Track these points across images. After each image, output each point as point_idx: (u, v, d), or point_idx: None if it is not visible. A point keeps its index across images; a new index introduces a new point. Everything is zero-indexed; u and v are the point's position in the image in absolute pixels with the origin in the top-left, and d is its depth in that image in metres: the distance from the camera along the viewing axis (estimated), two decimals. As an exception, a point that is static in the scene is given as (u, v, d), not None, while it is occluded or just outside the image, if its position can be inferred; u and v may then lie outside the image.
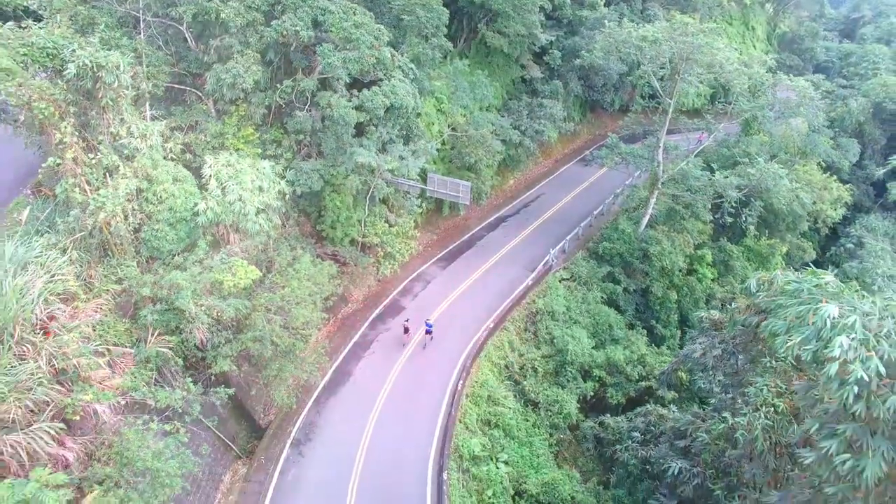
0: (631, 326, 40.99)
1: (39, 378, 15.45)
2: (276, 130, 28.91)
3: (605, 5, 51.20)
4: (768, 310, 14.12)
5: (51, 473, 12.60)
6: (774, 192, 35.72)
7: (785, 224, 44.09)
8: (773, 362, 17.26)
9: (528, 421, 33.09)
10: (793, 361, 16.16)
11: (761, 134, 48.34)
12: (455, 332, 34.29)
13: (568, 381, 34.95)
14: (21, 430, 14.47)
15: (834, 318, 11.49)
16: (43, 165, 20.13)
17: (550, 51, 47.54)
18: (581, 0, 48.44)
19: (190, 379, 22.63)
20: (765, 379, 16.95)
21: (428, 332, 32.21)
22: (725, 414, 18.19)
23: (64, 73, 18.97)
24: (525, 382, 34.49)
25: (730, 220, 37.52)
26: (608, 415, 33.63)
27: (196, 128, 27.09)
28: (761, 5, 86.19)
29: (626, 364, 35.39)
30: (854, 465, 10.97)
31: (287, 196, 27.72)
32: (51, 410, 16.04)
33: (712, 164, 43.49)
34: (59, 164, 20.11)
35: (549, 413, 33.46)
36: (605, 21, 41.96)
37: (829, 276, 13.03)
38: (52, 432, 14.90)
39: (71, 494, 13.90)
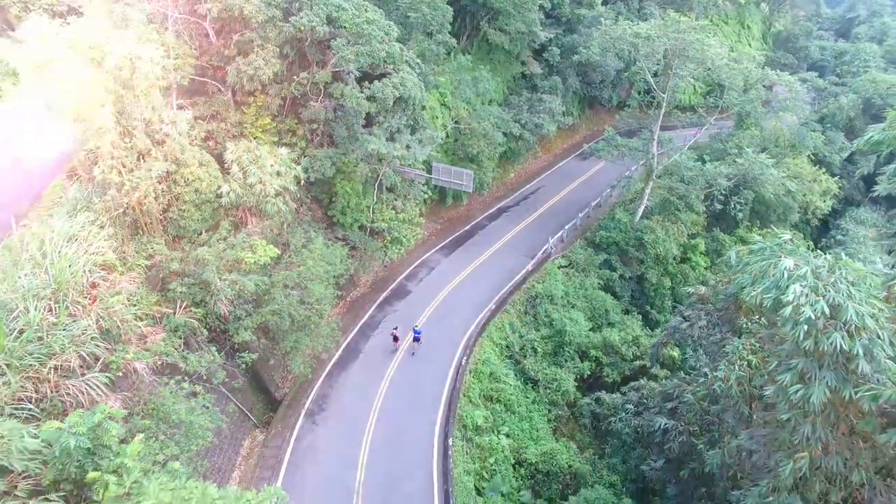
0: (626, 311, 42.82)
1: (91, 335, 17.30)
2: (291, 120, 30.79)
3: (602, 4, 53.06)
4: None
5: (112, 409, 14.41)
6: (762, 181, 37.56)
7: (776, 215, 45.88)
8: (749, 325, 19.09)
9: (528, 398, 34.93)
10: (765, 321, 17.96)
11: (753, 128, 50.18)
12: (459, 314, 36.14)
13: (566, 360, 36.77)
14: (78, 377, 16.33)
15: (790, 269, 13.32)
16: (84, 149, 21.98)
17: (550, 48, 49.41)
18: (579, -1, 50.34)
19: (214, 348, 24.51)
20: (741, 339, 18.77)
21: (416, 339, 31.78)
22: (705, 370, 20.04)
23: (104, 64, 20.85)
24: (525, 361, 36.31)
25: (719, 207, 39.39)
26: (604, 392, 35.46)
27: (217, 117, 28.97)
28: (756, 5, 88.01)
29: (622, 345, 37.19)
30: (804, 393, 12.78)
31: (301, 182, 29.57)
32: (98, 366, 17.93)
33: (705, 157, 45.29)
34: (98, 148, 21.96)
35: (548, 390, 35.26)
36: (602, 19, 43.80)
37: (787, 236, 14.89)
38: (105, 380, 16.75)
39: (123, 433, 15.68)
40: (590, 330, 38.40)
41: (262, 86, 28.64)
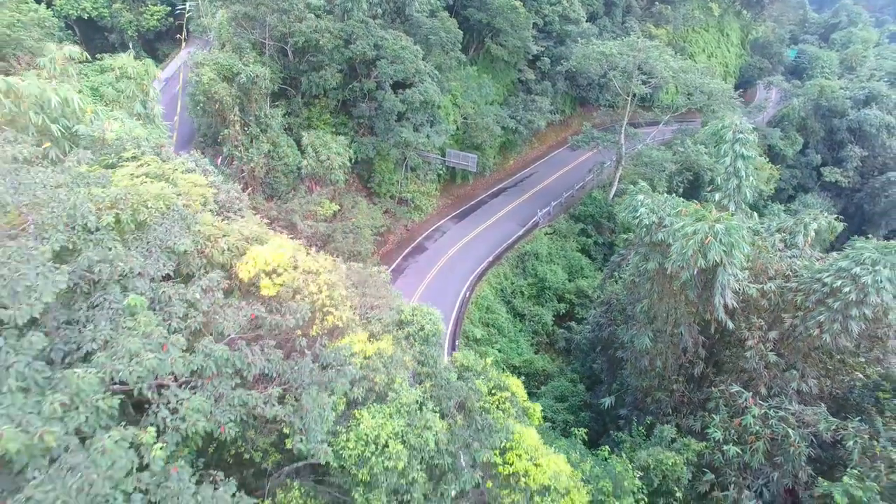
0: (600, 270, 53.89)
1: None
2: (344, 116, 42.27)
3: (588, 20, 63.81)
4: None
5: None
6: (700, 165, 48.55)
7: (729, 197, 56.66)
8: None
9: (515, 327, 46.31)
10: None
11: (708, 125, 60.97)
12: (465, 263, 47.56)
13: (546, 301, 48.06)
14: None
15: (641, 200, 24.39)
16: (221, 133, 33.58)
17: (542, 58, 60.35)
18: (567, 16, 61.05)
19: (297, 271, 36.07)
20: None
21: None
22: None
23: (236, 80, 32.35)
24: (514, 301, 47.63)
25: (666, 185, 50.42)
26: (574, 323, 46.71)
27: (292, 113, 40.51)
28: (737, 14, 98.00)
29: (590, 290, 48.40)
30: (645, 265, 23.86)
31: (351, 161, 41.04)
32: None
33: (661, 147, 56.20)
34: (228, 134, 33.52)
35: (532, 323, 46.57)
36: (578, 38, 54.79)
37: (643, 183, 25.97)
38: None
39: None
40: (566, 280, 49.63)
41: (324, 91, 40.13)
